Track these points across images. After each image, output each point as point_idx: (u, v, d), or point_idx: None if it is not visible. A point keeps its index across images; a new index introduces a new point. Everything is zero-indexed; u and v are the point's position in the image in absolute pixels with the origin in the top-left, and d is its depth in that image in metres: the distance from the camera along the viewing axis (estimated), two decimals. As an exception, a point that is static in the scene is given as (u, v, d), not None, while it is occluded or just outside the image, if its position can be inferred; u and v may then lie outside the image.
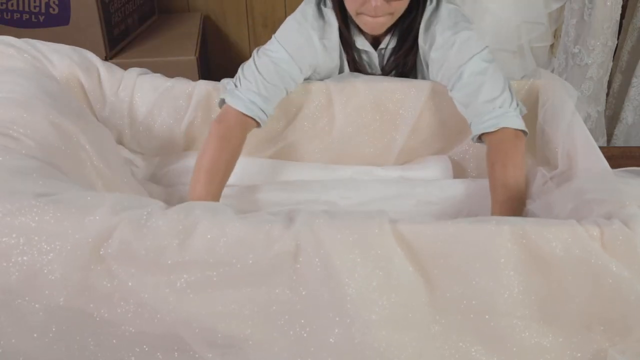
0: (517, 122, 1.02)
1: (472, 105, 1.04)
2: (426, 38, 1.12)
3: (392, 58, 1.18)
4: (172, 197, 1.13)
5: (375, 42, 1.18)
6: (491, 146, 1.02)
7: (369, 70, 1.21)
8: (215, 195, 1.00)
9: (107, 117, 1.17)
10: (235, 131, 1.05)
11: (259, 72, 1.08)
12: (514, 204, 0.95)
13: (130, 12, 1.98)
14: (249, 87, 1.06)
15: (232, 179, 1.06)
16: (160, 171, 1.20)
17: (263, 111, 1.06)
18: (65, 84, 1.11)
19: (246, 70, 1.09)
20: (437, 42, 1.10)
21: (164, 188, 1.15)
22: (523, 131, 1.02)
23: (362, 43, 1.17)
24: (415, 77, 1.21)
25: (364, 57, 1.19)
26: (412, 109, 1.15)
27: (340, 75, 1.20)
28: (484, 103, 1.03)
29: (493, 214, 0.96)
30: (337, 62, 1.18)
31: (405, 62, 1.18)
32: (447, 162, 1.18)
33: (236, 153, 1.05)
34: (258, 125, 1.08)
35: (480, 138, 1.04)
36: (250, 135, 1.08)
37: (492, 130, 1.01)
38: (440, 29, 1.10)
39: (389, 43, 1.16)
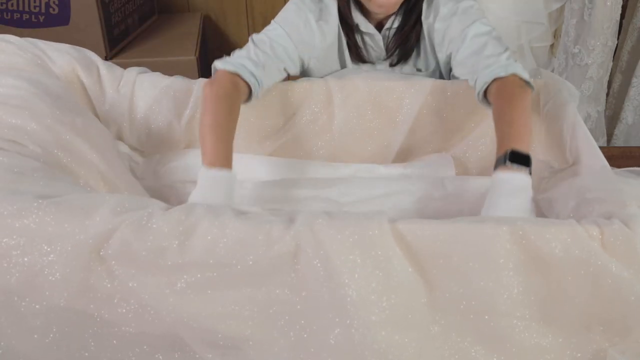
0: (526, 74, 0.99)
1: (477, 61, 1.04)
2: (429, 12, 1.15)
3: (395, 37, 1.19)
4: (169, 194, 1.13)
5: (378, 25, 1.19)
6: (499, 91, 0.99)
7: (373, 53, 1.22)
8: (225, 152, 0.96)
9: (107, 112, 1.17)
10: (229, 88, 1.02)
11: (253, 43, 1.10)
12: (522, 145, 0.89)
13: (130, 12, 1.98)
14: (240, 55, 1.07)
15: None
16: (162, 168, 1.20)
17: (254, 75, 1.05)
18: (66, 81, 1.11)
19: (243, 47, 1.11)
20: (440, 12, 1.13)
21: (161, 186, 1.15)
22: (531, 86, 1.00)
23: (365, 26, 1.18)
24: (418, 55, 1.22)
25: (368, 39, 1.21)
26: (411, 107, 1.16)
27: (340, 71, 1.20)
28: (489, 57, 1.03)
29: (498, 153, 0.90)
30: (335, 46, 1.19)
31: (408, 39, 1.19)
32: (449, 160, 1.18)
33: (235, 107, 1.02)
34: (249, 91, 1.05)
35: (485, 95, 1.01)
36: (251, 132, 1.07)
37: (503, 75, 0.98)
38: (443, 1, 1.14)
39: (393, 23, 1.18)
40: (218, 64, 1.05)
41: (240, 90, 1.04)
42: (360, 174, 1.18)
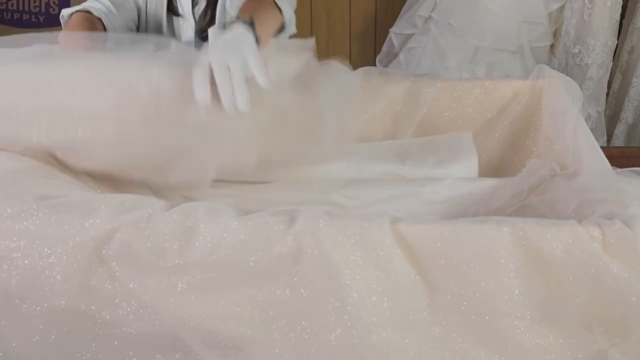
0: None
1: None
2: None
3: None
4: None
5: None
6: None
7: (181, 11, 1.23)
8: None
9: None
10: (83, 24, 1.07)
11: None
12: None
13: (130, 12, 1.97)
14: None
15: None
16: None
17: (103, 10, 1.10)
18: None
19: None
20: None
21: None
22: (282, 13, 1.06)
23: None
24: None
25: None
26: (417, 108, 1.16)
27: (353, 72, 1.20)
28: None
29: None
30: None
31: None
32: (469, 137, 1.16)
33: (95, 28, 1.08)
34: (100, 21, 1.10)
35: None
36: None
37: None
38: None
39: None
40: (65, 11, 1.10)
41: (93, 21, 1.09)
42: (382, 176, 1.17)
